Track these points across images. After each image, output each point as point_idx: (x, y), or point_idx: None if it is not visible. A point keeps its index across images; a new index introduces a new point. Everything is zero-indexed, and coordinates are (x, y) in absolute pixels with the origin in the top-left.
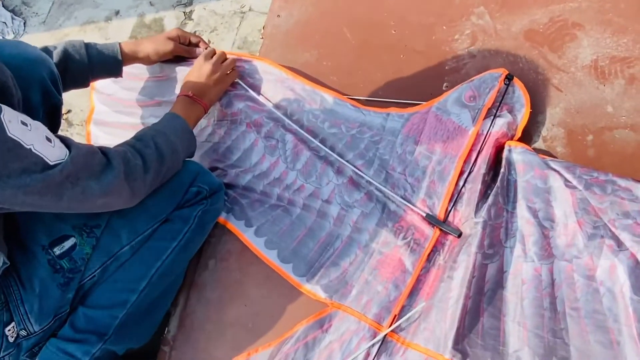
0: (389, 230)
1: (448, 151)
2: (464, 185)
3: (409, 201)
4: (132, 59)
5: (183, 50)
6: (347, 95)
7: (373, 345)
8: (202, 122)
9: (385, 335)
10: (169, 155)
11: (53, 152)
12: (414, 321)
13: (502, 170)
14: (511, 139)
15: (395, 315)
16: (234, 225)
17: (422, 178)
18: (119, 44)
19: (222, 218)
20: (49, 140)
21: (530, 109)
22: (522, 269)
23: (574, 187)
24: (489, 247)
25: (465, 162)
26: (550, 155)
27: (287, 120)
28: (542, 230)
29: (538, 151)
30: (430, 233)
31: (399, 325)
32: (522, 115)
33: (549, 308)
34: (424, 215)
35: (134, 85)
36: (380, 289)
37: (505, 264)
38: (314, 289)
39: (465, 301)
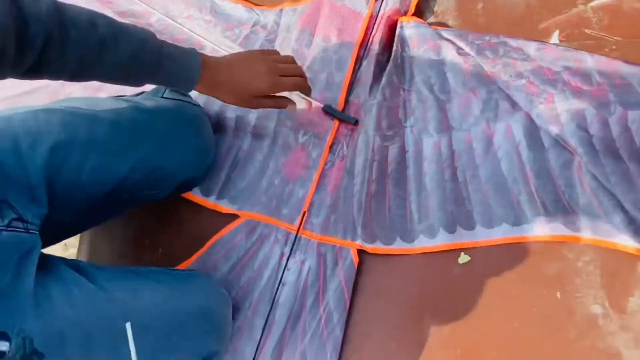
0: (288, 129)
1: (344, 38)
2: (359, 70)
3: (307, 96)
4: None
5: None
6: None
7: (286, 245)
8: None
9: (297, 233)
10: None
11: None
12: (324, 215)
13: (394, 48)
14: (404, 15)
15: (304, 212)
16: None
17: (321, 70)
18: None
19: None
20: None
21: None
22: (422, 145)
23: (467, 54)
24: (388, 128)
25: (360, 47)
26: (446, 26)
27: (177, 26)
28: (438, 104)
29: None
30: (331, 125)
31: (310, 221)
32: None
33: (449, 179)
34: (322, 107)
35: None
36: (287, 190)
37: (406, 143)
38: (222, 203)
39: (369, 185)
